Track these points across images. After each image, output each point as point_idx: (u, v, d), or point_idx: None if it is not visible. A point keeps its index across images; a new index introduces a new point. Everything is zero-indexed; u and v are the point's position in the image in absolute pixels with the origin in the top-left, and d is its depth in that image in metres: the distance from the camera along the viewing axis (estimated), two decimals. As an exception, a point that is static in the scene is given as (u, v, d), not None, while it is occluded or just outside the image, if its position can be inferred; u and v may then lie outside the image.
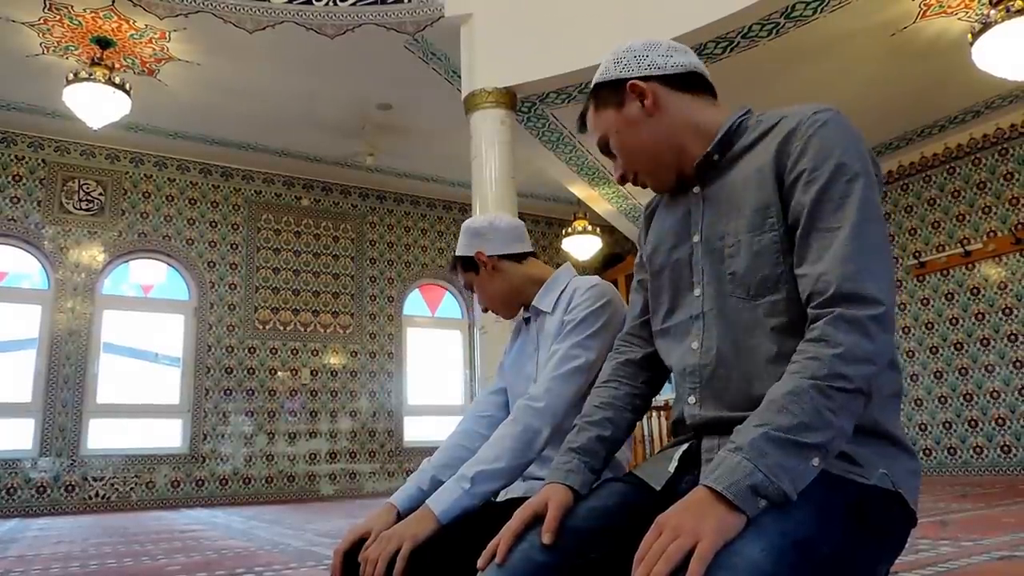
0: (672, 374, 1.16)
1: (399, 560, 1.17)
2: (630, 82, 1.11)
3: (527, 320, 1.63)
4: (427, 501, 1.28)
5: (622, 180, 1.17)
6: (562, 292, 1.54)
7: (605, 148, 1.17)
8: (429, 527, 1.23)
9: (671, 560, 0.74)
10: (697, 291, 1.07)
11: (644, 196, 8.33)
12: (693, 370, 1.05)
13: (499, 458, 1.31)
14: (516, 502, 1.34)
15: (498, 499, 1.40)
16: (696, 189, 1.10)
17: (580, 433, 1.14)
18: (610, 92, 1.14)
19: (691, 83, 1.12)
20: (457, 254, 1.63)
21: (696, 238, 1.08)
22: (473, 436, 1.55)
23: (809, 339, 0.88)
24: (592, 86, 1.18)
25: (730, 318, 1.02)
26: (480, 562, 0.96)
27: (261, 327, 8.22)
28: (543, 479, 1.38)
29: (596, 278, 1.53)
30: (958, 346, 7.23)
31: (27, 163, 7.47)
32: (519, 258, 1.60)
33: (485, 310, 1.66)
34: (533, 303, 1.57)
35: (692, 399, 1.05)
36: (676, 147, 1.09)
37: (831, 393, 0.83)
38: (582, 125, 1.22)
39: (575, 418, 1.20)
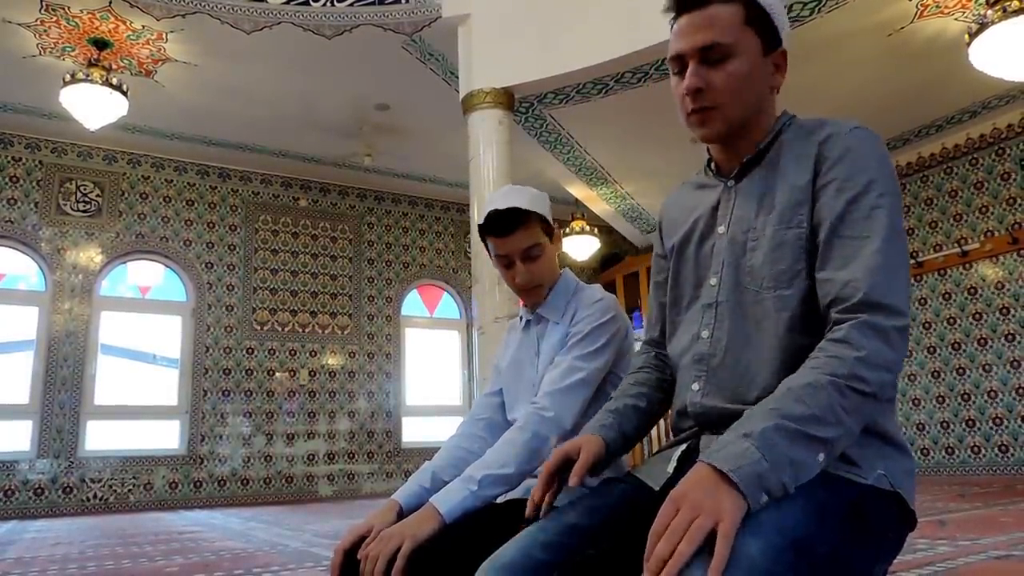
0: (676, 365, 1.17)
1: (399, 558, 1.16)
2: (784, 51, 1.08)
3: (525, 322, 1.62)
4: (432, 499, 1.28)
5: (693, 92, 1.03)
6: (567, 302, 1.53)
7: (702, 54, 1.02)
8: (432, 526, 1.22)
9: (694, 540, 0.74)
10: (713, 280, 1.08)
11: (643, 197, 8.34)
12: (701, 358, 1.07)
13: (506, 464, 1.31)
14: (516, 503, 1.34)
15: (499, 499, 1.40)
16: (731, 182, 1.11)
17: (617, 400, 1.19)
18: (764, 28, 1.05)
19: None
20: (544, 214, 1.49)
21: (721, 229, 1.09)
22: (472, 438, 1.56)
23: (832, 339, 0.89)
24: None
25: (742, 309, 1.03)
26: (528, 511, 1.04)
27: (259, 328, 8.21)
28: None
29: (599, 289, 1.53)
30: (956, 346, 7.24)
31: (24, 164, 7.46)
32: None
33: (527, 282, 1.50)
34: (540, 311, 1.55)
35: (696, 386, 1.06)
36: (751, 123, 1.08)
37: (848, 393, 0.85)
38: (684, 0, 1.05)
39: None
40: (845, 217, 0.95)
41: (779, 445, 0.80)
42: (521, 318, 1.63)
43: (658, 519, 0.78)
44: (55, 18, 5.53)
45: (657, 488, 1.03)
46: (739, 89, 1.03)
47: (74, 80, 5.67)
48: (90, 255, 7.57)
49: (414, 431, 8.86)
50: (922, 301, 7.54)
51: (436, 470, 1.44)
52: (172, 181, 8.13)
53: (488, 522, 1.27)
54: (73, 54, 5.97)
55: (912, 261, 7.62)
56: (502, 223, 1.44)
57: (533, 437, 1.34)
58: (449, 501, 1.26)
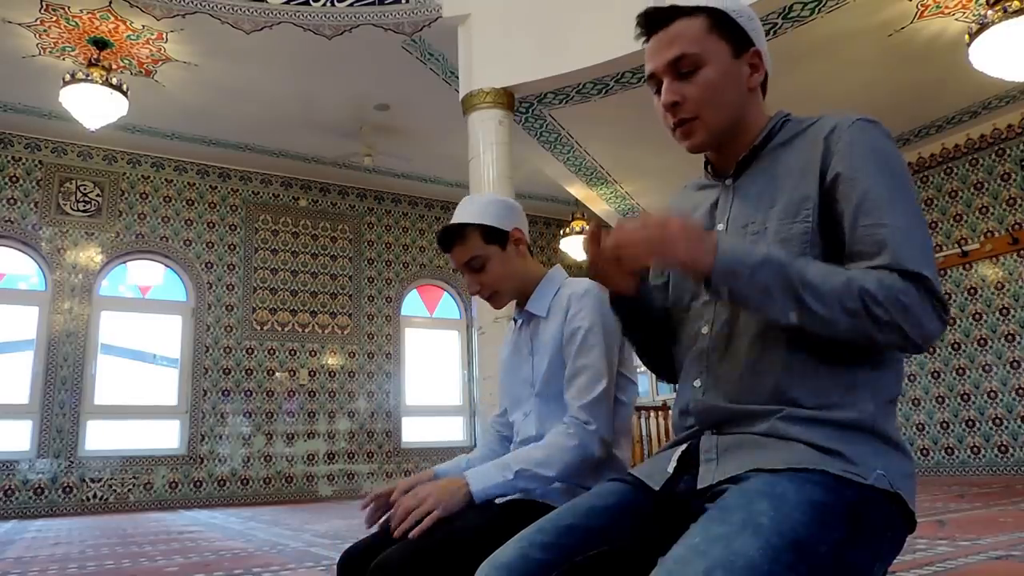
0: (679, 364, 1.16)
1: (427, 520, 1.23)
2: (758, 49, 1.09)
3: (517, 321, 1.61)
4: (467, 474, 1.32)
5: (670, 106, 1.07)
6: (555, 296, 1.53)
7: (673, 69, 1.06)
8: (460, 501, 1.29)
9: (652, 250, 0.92)
10: None
11: (643, 197, 8.34)
12: (702, 354, 1.06)
13: (549, 465, 1.33)
14: (516, 503, 1.34)
15: (498, 501, 1.40)
16: (728, 181, 1.12)
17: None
18: (730, 32, 1.07)
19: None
20: (486, 222, 1.49)
21: (720, 226, 1.10)
22: (500, 443, 1.64)
23: (874, 266, 0.92)
24: (702, 6, 1.07)
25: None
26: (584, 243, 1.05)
27: (259, 328, 8.21)
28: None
29: (585, 282, 1.50)
30: (955, 346, 7.24)
31: (24, 164, 7.46)
32: (530, 251, 1.60)
33: (478, 292, 1.53)
34: (526, 307, 1.55)
35: (698, 382, 1.06)
36: (738, 126, 1.09)
37: (856, 296, 0.88)
38: (651, 21, 1.09)
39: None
40: (861, 207, 0.95)
41: (768, 275, 0.90)
42: (515, 320, 1.63)
43: (627, 225, 0.93)
44: (55, 18, 5.53)
45: (657, 488, 1.03)
46: (714, 96, 1.05)
47: (74, 80, 5.68)
48: (90, 255, 7.57)
49: (414, 431, 8.87)
50: (922, 301, 7.53)
51: (471, 459, 1.51)
52: (172, 181, 8.13)
53: (488, 522, 1.27)
54: (73, 54, 5.97)
55: (912, 261, 7.61)
56: (442, 240, 1.52)
57: (581, 447, 1.34)
58: (481, 481, 1.30)
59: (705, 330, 1.07)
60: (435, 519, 1.22)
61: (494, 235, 1.50)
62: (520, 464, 1.32)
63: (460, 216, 1.51)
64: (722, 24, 1.06)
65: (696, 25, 1.05)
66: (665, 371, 1.22)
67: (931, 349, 7.39)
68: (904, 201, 0.95)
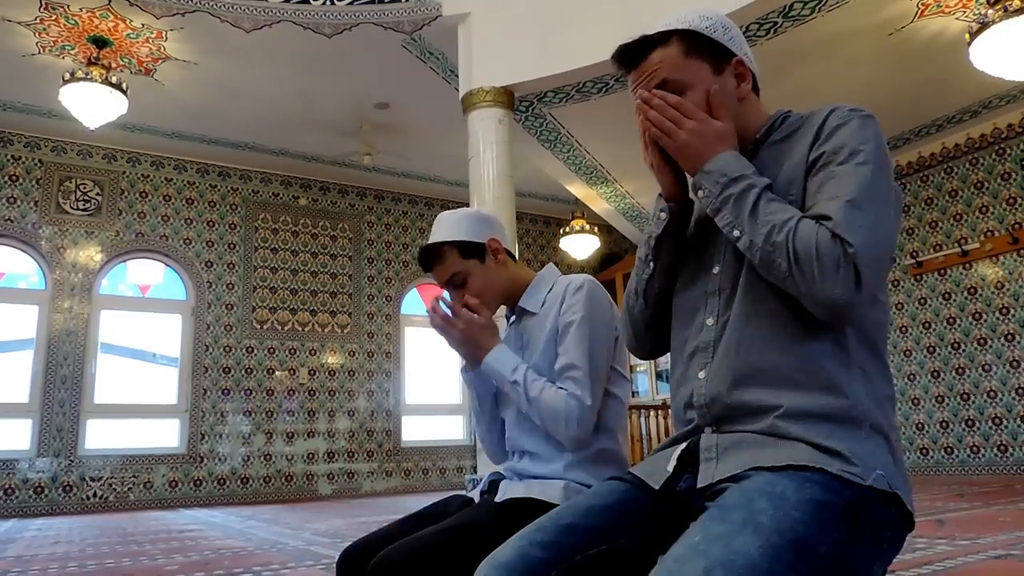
0: (673, 357, 1.16)
1: (435, 320, 1.52)
2: (739, 58, 1.10)
3: (509, 319, 1.63)
4: (494, 349, 1.47)
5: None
6: (549, 292, 1.54)
7: (659, 85, 1.08)
8: (472, 357, 1.51)
9: (667, 118, 1.02)
10: (716, 268, 1.08)
11: (643, 196, 8.33)
12: (706, 346, 1.06)
13: (535, 407, 1.39)
14: (516, 503, 1.34)
15: (498, 499, 1.40)
16: None
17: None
18: (707, 50, 1.08)
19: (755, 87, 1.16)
20: (461, 238, 1.51)
21: None
22: None
23: (816, 215, 0.94)
24: (674, 30, 1.09)
25: (745, 294, 1.03)
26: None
27: (259, 327, 8.21)
28: (543, 477, 1.40)
29: (581, 277, 1.52)
30: (955, 345, 7.24)
31: (24, 163, 7.45)
32: (513, 258, 1.61)
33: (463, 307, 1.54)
34: (520, 303, 1.57)
35: (703, 374, 1.05)
36: (737, 136, 1.09)
37: (785, 231, 0.93)
38: (626, 57, 1.12)
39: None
40: (824, 184, 0.97)
41: (737, 189, 0.98)
42: (507, 318, 1.64)
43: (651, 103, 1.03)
44: (55, 16, 5.52)
45: (657, 487, 1.03)
46: None
47: (74, 79, 5.67)
48: (90, 254, 7.56)
49: (414, 430, 8.87)
50: (922, 301, 7.54)
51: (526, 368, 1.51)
52: (172, 180, 8.13)
53: (488, 522, 1.27)
54: (73, 53, 5.97)
55: (912, 261, 7.62)
56: (423, 262, 1.57)
57: (567, 411, 1.36)
58: (495, 361, 1.45)
59: (710, 321, 1.07)
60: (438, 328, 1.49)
61: (471, 249, 1.52)
62: (522, 379, 1.41)
63: (435, 236, 1.54)
64: (697, 44, 1.07)
65: (671, 52, 1.07)
66: (657, 329, 1.21)
67: (931, 348, 7.38)
68: (866, 181, 0.95)
